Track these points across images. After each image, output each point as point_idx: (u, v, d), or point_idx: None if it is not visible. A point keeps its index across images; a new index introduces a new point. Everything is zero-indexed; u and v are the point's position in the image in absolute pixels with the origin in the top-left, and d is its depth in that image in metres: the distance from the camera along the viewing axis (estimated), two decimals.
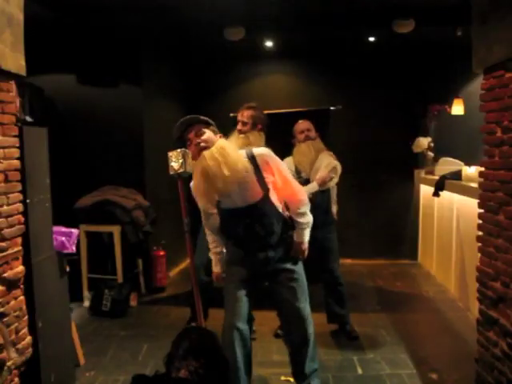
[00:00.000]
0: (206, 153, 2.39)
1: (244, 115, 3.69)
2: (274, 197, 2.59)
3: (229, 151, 2.42)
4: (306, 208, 2.71)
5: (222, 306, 2.75)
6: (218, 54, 6.04)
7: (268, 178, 2.54)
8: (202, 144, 2.41)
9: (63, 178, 4.29)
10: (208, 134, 2.47)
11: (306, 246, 2.73)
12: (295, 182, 2.74)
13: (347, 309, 3.91)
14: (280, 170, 2.59)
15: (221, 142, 2.46)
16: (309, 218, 2.73)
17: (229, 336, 2.52)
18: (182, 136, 2.50)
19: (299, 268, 2.73)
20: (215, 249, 2.80)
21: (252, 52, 5.93)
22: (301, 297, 2.69)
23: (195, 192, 2.58)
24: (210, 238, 2.81)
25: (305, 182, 3.72)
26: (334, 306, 3.88)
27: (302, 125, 3.84)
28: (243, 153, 2.52)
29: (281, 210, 2.63)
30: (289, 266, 2.67)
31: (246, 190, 2.48)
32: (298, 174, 3.76)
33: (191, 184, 2.61)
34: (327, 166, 3.70)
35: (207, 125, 2.53)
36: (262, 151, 2.55)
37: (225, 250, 2.79)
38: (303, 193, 2.74)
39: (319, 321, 4.16)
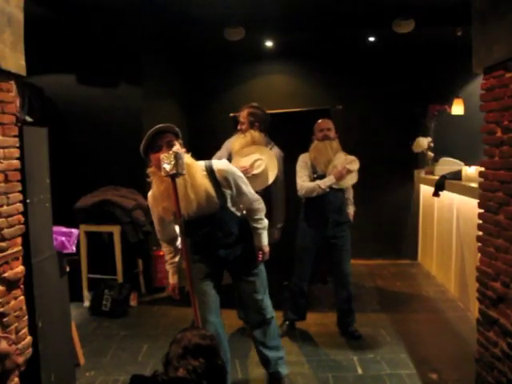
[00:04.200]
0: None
1: (241, 115, 3.81)
2: (231, 203, 2.71)
3: (194, 171, 2.51)
4: (262, 214, 2.86)
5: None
6: (218, 54, 6.03)
7: (226, 192, 2.66)
8: None
9: (63, 178, 4.29)
10: (178, 146, 2.50)
11: (265, 248, 2.88)
12: (251, 192, 2.80)
13: (354, 309, 3.93)
14: (237, 184, 2.69)
15: (188, 160, 2.50)
16: (264, 223, 2.87)
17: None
18: (151, 143, 2.51)
19: (259, 264, 2.88)
20: (172, 259, 2.86)
21: (252, 52, 5.93)
22: (259, 289, 2.86)
23: (152, 202, 2.64)
24: (166, 249, 2.87)
25: (318, 177, 3.74)
26: (345, 308, 3.90)
27: (323, 123, 3.84)
28: (202, 166, 2.61)
29: (239, 214, 2.79)
30: (248, 263, 2.84)
31: (205, 203, 2.57)
32: (313, 169, 3.79)
33: (149, 193, 2.65)
34: (343, 162, 3.72)
35: (176, 136, 2.56)
36: (221, 166, 2.64)
37: (177, 259, 2.88)
38: (260, 202, 2.84)
39: (320, 321, 4.18)
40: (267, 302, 2.92)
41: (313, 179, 3.76)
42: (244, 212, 2.85)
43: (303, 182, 3.75)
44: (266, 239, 2.89)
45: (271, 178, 3.72)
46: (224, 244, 2.75)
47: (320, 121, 3.88)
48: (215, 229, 2.69)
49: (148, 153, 2.54)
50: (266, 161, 3.66)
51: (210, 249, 2.76)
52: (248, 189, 2.78)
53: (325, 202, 3.76)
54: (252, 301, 2.86)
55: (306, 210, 3.88)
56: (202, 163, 2.64)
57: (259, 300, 2.86)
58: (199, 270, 2.76)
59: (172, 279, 2.87)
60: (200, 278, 2.75)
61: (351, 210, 4.00)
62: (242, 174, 2.78)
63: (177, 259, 2.87)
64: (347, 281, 3.86)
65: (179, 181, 2.43)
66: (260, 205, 2.84)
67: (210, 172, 2.60)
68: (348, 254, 3.89)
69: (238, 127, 3.84)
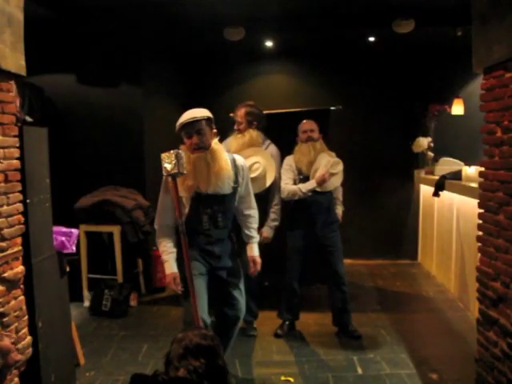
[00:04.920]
0: (201, 155, 2.70)
1: (238, 114, 3.82)
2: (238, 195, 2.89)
3: (219, 156, 2.74)
4: (256, 226, 3.02)
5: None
6: (218, 54, 6.03)
7: (239, 180, 2.86)
8: (200, 143, 2.70)
9: (63, 178, 4.29)
10: (208, 134, 2.74)
11: (258, 258, 2.97)
12: (253, 198, 3.00)
13: (350, 309, 3.93)
14: (248, 181, 2.93)
15: (214, 145, 2.75)
16: (257, 234, 3.04)
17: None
18: (183, 127, 2.71)
19: (239, 265, 2.98)
20: (171, 249, 2.82)
21: (252, 52, 5.93)
22: (242, 291, 2.95)
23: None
24: (166, 239, 2.81)
25: (304, 179, 3.74)
26: (339, 307, 3.90)
27: (306, 125, 3.85)
28: (226, 154, 2.84)
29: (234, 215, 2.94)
30: (233, 263, 2.91)
31: (222, 184, 2.75)
32: (298, 171, 3.79)
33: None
34: (326, 164, 3.72)
35: (208, 120, 2.75)
36: (242, 160, 2.93)
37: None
38: (257, 212, 3.02)
39: (320, 321, 4.18)
40: (244, 305, 2.97)
41: (298, 181, 3.77)
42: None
43: (286, 185, 3.77)
44: (258, 250, 2.99)
45: (269, 181, 3.72)
46: (219, 239, 2.82)
47: (304, 122, 3.89)
48: (219, 210, 2.77)
49: (180, 131, 2.74)
50: (263, 164, 3.66)
51: (207, 243, 2.79)
52: (251, 190, 2.98)
53: (313, 203, 3.77)
54: (235, 301, 2.90)
55: (294, 210, 3.88)
56: (226, 155, 2.84)
57: (241, 303, 2.92)
58: (193, 268, 2.75)
59: (171, 268, 2.78)
60: (195, 276, 2.74)
61: (339, 210, 4.01)
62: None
63: (175, 249, 2.81)
64: (341, 281, 3.86)
65: (202, 161, 2.67)
66: (257, 215, 3.02)
67: (232, 160, 2.84)
68: (339, 253, 3.89)
69: (235, 127, 3.85)
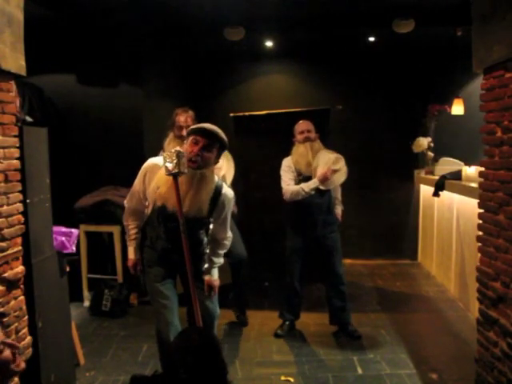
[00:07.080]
0: (190, 171, 2.50)
1: (183, 120, 3.68)
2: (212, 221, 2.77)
3: (204, 186, 2.56)
4: (223, 251, 2.89)
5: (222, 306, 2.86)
6: (218, 54, 6.03)
7: (213, 213, 2.69)
8: (198, 158, 2.52)
9: (63, 178, 4.29)
10: (212, 158, 2.57)
11: (216, 282, 2.84)
12: (228, 227, 2.83)
13: (349, 308, 3.92)
14: (227, 214, 2.75)
15: (207, 173, 2.57)
16: (221, 260, 2.90)
17: (166, 333, 2.63)
18: (199, 131, 2.54)
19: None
20: (136, 235, 2.82)
21: (252, 52, 5.93)
22: (214, 300, 2.85)
23: (151, 169, 2.69)
24: (132, 223, 2.82)
25: (304, 179, 3.73)
26: (337, 306, 3.89)
27: (303, 125, 3.83)
28: (214, 181, 2.65)
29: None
30: (198, 269, 2.77)
31: (193, 211, 2.59)
32: (297, 172, 3.78)
33: (153, 160, 2.74)
34: (327, 162, 3.70)
35: (223, 148, 2.61)
36: (229, 193, 2.71)
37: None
38: (230, 240, 2.88)
39: (320, 321, 4.18)
40: (218, 310, 2.89)
41: (298, 181, 3.75)
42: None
43: (288, 186, 3.75)
44: (217, 273, 2.87)
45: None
46: (178, 248, 2.60)
47: (300, 122, 3.86)
48: (191, 232, 2.59)
49: (191, 134, 2.59)
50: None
51: (165, 251, 2.69)
52: (229, 222, 2.82)
53: (312, 203, 3.75)
54: (208, 310, 2.79)
55: (293, 211, 3.85)
56: (215, 178, 2.68)
57: (215, 308, 2.84)
58: (158, 273, 2.72)
59: (134, 254, 2.82)
60: (159, 282, 2.71)
61: (339, 209, 3.99)
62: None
63: (139, 235, 2.81)
64: (340, 281, 3.86)
65: (187, 179, 2.50)
66: (228, 242, 2.88)
67: (216, 191, 2.65)
68: (339, 253, 3.88)
69: (181, 133, 3.62)
